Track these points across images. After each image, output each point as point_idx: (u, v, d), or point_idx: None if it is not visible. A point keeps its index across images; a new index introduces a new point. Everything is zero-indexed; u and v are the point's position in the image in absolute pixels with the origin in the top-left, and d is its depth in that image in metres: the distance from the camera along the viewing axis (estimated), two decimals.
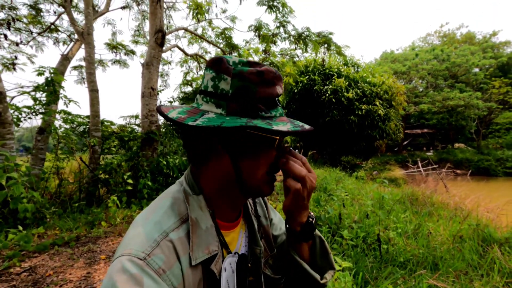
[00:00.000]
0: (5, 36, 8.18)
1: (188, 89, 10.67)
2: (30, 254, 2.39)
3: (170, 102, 7.48)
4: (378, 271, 2.20)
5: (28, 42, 8.86)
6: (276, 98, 0.58)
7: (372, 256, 2.46)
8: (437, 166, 15.90)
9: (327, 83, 14.28)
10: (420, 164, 18.00)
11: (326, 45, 8.44)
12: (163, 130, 6.13)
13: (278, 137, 0.57)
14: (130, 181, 4.52)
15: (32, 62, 9.64)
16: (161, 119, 7.58)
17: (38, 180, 4.23)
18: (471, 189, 7.32)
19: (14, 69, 8.91)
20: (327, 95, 13.78)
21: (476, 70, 27.97)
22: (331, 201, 3.64)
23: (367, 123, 14.21)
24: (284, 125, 0.55)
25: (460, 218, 3.73)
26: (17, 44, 8.72)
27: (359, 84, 14.55)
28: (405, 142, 29.80)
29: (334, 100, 13.72)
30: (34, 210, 3.31)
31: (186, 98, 9.93)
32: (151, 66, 5.57)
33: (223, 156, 0.57)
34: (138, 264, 0.46)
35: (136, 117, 6.61)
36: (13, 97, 4.75)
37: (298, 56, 9.99)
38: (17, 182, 3.20)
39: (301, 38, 7.98)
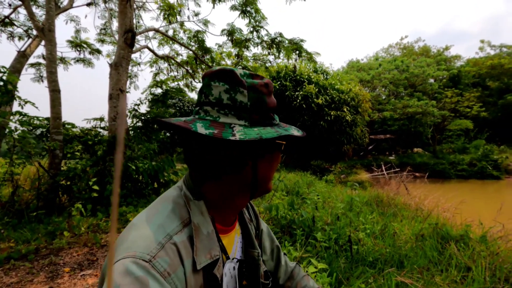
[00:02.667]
0: None
1: (158, 90, 10.36)
2: None
3: (138, 104, 7.20)
4: (350, 271, 2.28)
5: None
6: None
7: (344, 256, 2.55)
8: (399, 169, 16.95)
9: (298, 89, 14.70)
10: (383, 168, 19.08)
11: (297, 52, 8.69)
12: (132, 133, 5.88)
13: (285, 142, 0.63)
14: (95, 187, 4.26)
15: None
16: (128, 122, 7.26)
17: None
18: (429, 191, 7.90)
19: None
20: (298, 100, 14.16)
21: (432, 80, 30.46)
22: (304, 204, 3.72)
23: (336, 128, 14.81)
24: (292, 130, 0.62)
25: (421, 218, 4.00)
26: None
27: (328, 91, 15.15)
28: (370, 147, 31.43)
29: (305, 106, 14.13)
30: None
31: (156, 100, 9.63)
32: (119, 67, 5.35)
33: (246, 164, 0.59)
34: (144, 266, 0.46)
35: (102, 119, 6.27)
36: None
37: (270, 62, 10.17)
38: None
39: (274, 43, 8.14)
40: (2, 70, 3.90)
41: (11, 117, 4.50)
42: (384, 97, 31.42)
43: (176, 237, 0.53)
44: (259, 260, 0.72)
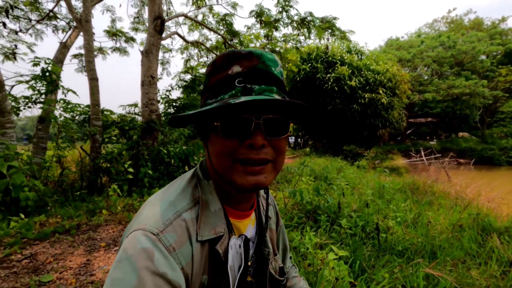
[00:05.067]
0: (4, 24, 8.08)
1: (188, 76, 10.56)
2: (31, 241, 2.42)
3: (168, 90, 7.40)
4: (376, 259, 2.20)
5: (27, 30, 8.73)
6: (236, 80, 0.54)
7: (370, 244, 2.47)
8: (440, 155, 15.79)
9: (330, 71, 14.08)
10: (423, 153, 17.90)
11: (330, 31, 8.25)
12: (164, 119, 6.10)
13: (217, 123, 0.53)
14: (131, 170, 4.53)
15: (32, 51, 9.55)
16: (161, 108, 7.54)
17: (40, 169, 4.26)
18: (473, 178, 7.29)
19: (15, 58, 8.83)
20: (329, 83, 13.61)
21: (483, 57, 27.37)
22: (330, 190, 3.64)
23: (370, 111, 14.08)
24: (234, 101, 0.48)
25: (461, 207, 3.72)
26: (16, 33, 8.61)
27: (362, 72, 14.34)
28: (409, 131, 29.60)
29: (336, 89, 13.56)
30: (36, 198, 3.35)
31: (186, 86, 9.84)
32: (150, 54, 5.50)
33: (204, 146, 0.63)
34: (151, 239, 0.48)
35: (136, 105, 6.58)
36: (12, 86, 4.73)
37: (300, 43, 9.80)
38: (18, 170, 3.22)
39: (304, 23, 7.80)
40: (47, 61, 4.20)
41: (56, 105, 4.90)
42: (426, 78, 29.06)
43: (185, 214, 0.55)
44: (268, 260, 0.71)
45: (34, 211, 3.29)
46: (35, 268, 2.00)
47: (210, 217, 0.58)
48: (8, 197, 3.17)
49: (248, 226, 0.69)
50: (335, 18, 8.03)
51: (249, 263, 0.67)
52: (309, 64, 14.45)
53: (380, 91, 13.83)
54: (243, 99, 0.48)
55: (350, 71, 13.81)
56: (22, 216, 2.90)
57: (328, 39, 8.88)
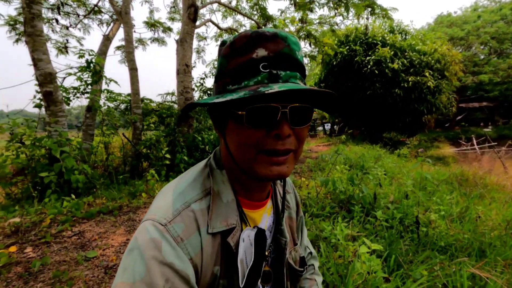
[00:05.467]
0: (57, 21, 8.78)
1: None
2: (80, 220, 2.67)
3: (203, 78, 7.53)
4: (414, 254, 2.07)
5: (76, 25, 9.39)
6: (261, 64, 0.49)
7: (408, 238, 2.32)
8: (496, 143, 14.18)
9: (370, 53, 13.20)
10: (475, 141, 16.24)
11: (369, 9, 7.68)
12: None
13: (243, 112, 0.49)
14: (168, 156, 4.75)
15: (81, 44, 10.30)
16: (196, 96, 7.73)
17: (88, 154, 4.65)
18: None
19: (67, 52, 9.62)
20: (369, 66, 12.80)
21: None
22: (366, 179, 3.46)
23: (414, 96, 13.04)
24: (247, 93, 0.45)
25: None
26: (67, 28, 9.32)
27: (406, 54, 13.24)
28: (459, 117, 27.02)
29: (377, 72, 12.72)
30: (85, 181, 3.67)
31: None
32: (184, 43, 5.60)
33: (220, 135, 0.60)
34: (159, 229, 0.49)
35: (172, 94, 6.81)
36: (64, 78, 5.15)
37: (337, 24, 9.29)
38: (69, 155, 3.54)
39: (342, 2, 7.35)
40: (90, 53, 4.49)
41: (100, 95, 5.26)
42: (482, 57, 26.02)
43: (194, 205, 0.54)
44: (285, 249, 0.69)
45: (84, 193, 3.62)
46: (82, 244, 2.21)
47: (222, 208, 0.57)
48: (62, 179, 3.51)
49: (263, 216, 0.67)
50: None
51: (266, 253, 0.65)
52: (347, 47, 13.66)
53: (426, 74, 12.68)
54: (276, 88, 0.44)
55: (392, 52, 12.82)
56: (73, 196, 3.20)
57: (368, 19, 8.28)
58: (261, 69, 0.49)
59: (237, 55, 0.51)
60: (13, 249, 2.04)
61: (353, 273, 1.59)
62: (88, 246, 2.18)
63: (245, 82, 0.50)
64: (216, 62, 0.56)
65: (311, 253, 0.92)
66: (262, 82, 0.49)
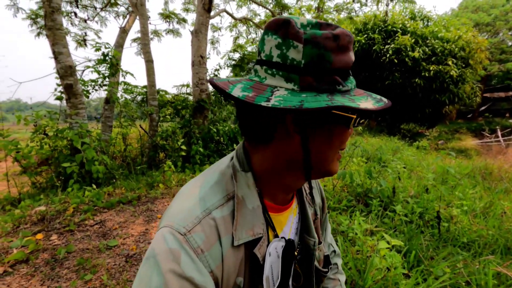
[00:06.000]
0: (75, 14, 8.96)
1: (236, 55, 10.57)
2: (101, 209, 2.76)
3: (217, 70, 7.51)
4: (435, 250, 2.01)
5: (94, 17, 9.55)
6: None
7: (429, 234, 2.25)
8: None
9: (389, 41, 12.71)
10: (499, 133, 15.49)
11: None
12: (213, 97, 6.26)
13: (353, 116, 0.47)
14: (183, 147, 4.81)
15: (99, 37, 10.49)
16: (210, 87, 7.73)
17: (107, 145, 4.77)
18: None
19: (86, 44, 9.83)
20: (388, 55, 12.34)
21: None
22: (385, 172, 3.38)
23: (435, 86, 12.50)
24: (365, 100, 0.47)
25: None
26: (85, 21, 9.49)
27: (428, 41, 12.66)
28: (483, 108, 25.78)
29: (396, 61, 12.26)
30: (105, 171, 3.78)
31: (235, 65, 9.89)
32: (199, 34, 5.58)
33: (293, 136, 0.50)
34: (178, 239, 0.46)
35: (187, 86, 6.85)
36: (83, 71, 5.27)
37: (355, 11, 8.98)
38: (89, 146, 3.65)
39: None
40: (106, 46, 4.55)
41: (119, 87, 5.35)
42: (510, 44, 24.52)
43: (215, 212, 0.50)
44: (314, 250, 0.65)
45: (104, 183, 3.73)
46: (104, 233, 2.29)
47: (248, 215, 0.53)
48: (83, 169, 3.63)
49: (289, 217, 0.64)
50: None
51: (295, 253, 0.63)
52: (365, 35, 13.20)
53: (449, 62, 12.09)
54: (370, 99, 0.48)
55: (413, 40, 12.28)
56: (94, 186, 3.30)
57: (387, 5, 7.96)
58: (350, 72, 0.50)
59: (341, 52, 0.46)
60: (39, 236, 2.14)
61: (372, 269, 1.56)
62: (109, 235, 2.25)
63: (348, 84, 0.49)
64: (268, 47, 0.45)
65: (334, 251, 0.88)
66: (355, 86, 0.52)
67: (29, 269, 1.79)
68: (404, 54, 12.13)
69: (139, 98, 6.35)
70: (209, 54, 11.37)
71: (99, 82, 4.59)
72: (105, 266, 1.83)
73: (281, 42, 0.46)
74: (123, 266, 1.87)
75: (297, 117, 0.48)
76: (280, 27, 0.46)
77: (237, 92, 0.47)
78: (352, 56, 0.49)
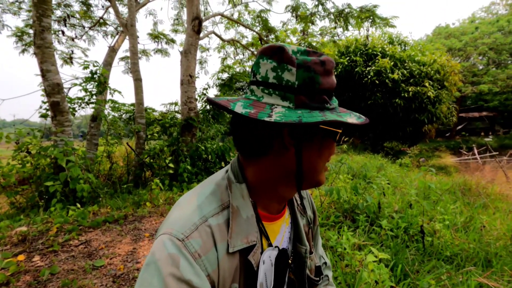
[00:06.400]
0: (63, 32, 8.97)
1: (225, 75, 10.79)
2: (86, 229, 2.68)
3: (206, 88, 7.62)
4: (420, 264, 2.07)
5: (82, 36, 9.58)
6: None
7: (414, 248, 2.32)
8: (497, 153, 14.18)
9: (370, 64, 13.39)
10: (476, 151, 16.25)
11: (370, 20, 7.82)
12: (201, 116, 6.32)
13: (340, 130, 0.56)
14: (171, 165, 4.78)
15: (86, 55, 10.48)
16: (199, 105, 7.79)
17: (93, 163, 4.67)
18: None
19: (72, 62, 9.78)
20: (369, 77, 12.95)
21: None
22: (370, 189, 3.48)
23: (414, 106, 13.14)
24: (350, 116, 0.55)
25: None
26: (72, 39, 9.50)
27: (406, 64, 13.41)
28: (459, 127, 27.10)
29: (377, 82, 12.87)
30: (90, 190, 3.69)
31: (223, 85, 10.08)
32: (189, 54, 5.71)
33: (289, 148, 0.55)
34: (177, 245, 0.48)
35: (176, 104, 6.89)
36: (69, 88, 5.23)
37: (338, 35, 9.45)
38: (74, 164, 3.57)
39: (341, 16, 7.50)
40: (95, 64, 4.57)
41: (106, 105, 5.32)
42: (481, 67, 26.27)
43: (211, 220, 0.54)
44: (306, 258, 0.69)
45: (89, 202, 3.63)
46: (90, 253, 2.22)
47: (242, 224, 0.56)
48: (67, 188, 3.53)
49: (282, 226, 0.67)
50: (375, 6, 7.59)
51: (289, 261, 0.66)
52: (347, 58, 13.86)
53: (426, 84, 12.81)
54: (354, 117, 0.55)
55: (392, 63, 12.99)
56: (79, 205, 3.21)
57: (367, 30, 8.46)
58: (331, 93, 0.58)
59: (327, 75, 0.54)
60: (21, 257, 2.05)
61: (361, 283, 1.60)
62: (95, 255, 2.18)
63: (332, 103, 0.56)
64: (264, 70, 0.50)
65: (325, 263, 0.91)
66: (337, 105, 0.58)
67: None
68: (384, 75, 12.77)
69: (126, 116, 6.32)
70: (198, 73, 11.53)
71: (86, 100, 4.57)
72: (91, 287, 1.77)
73: (277, 66, 0.52)
74: (110, 286, 1.81)
75: (293, 131, 0.54)
76: (275, 53, 0.53)
77: (239, 109, 0.51)
78: (334, 79, 0.56)
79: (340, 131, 0.56)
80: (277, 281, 0.60)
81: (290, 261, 0.66)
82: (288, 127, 0.54)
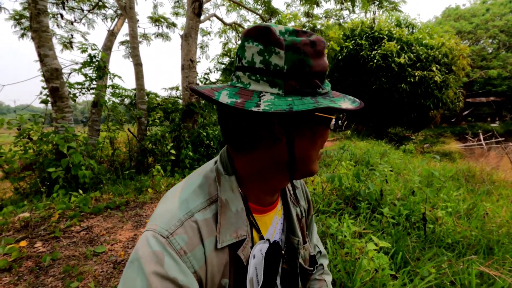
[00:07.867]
0: (61, 16, 8.79)
1: (226, 59, 10.60)
2: (88, 215, 2.70)
3: (207, 73, 7.50)
4: (421, 252, 2.06)
5: (81, 19, 9.39)
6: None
7: (415, 235, 2.31)
8: (503, 139, 13.97)
9: (376, 47, 13.03)
10: (481, 137, 16.04)
11: (377, 2, 7.55)
12: (203, 102, 6.25)
13: (333, 116, 0.53)
14: (173, 151, 4.77)
15: (86, 39, 10.32)
16: None
17: (95, 149, 4.68)
18: None
19: (72, 47, 9.65)
20: (375, 61, 12.64)
21: None
22: (372, 175, 3.44)
23: (420, 91, 12.88)
24: (343, 101, 0.51)
25: None
26: (71, 23, 9.33)
27: (413, 48, 13.05)
28: (466, 112, 26.68)
29: (383, 66, 12.56)
30: (92, 176, 3.70)
31: (224, 69, 9.91)
32: (189, 38, 5.57)
33: (280, 138, 0.51)
34: (161, 242, 0.47)
35: (177, 88, 6.80)
36: (69, 74, 5.16)
37: (344, 18, 9.17)
38: (76, 150, 3.57)
39: None
40: (93, 47, 4.48)
41: (106, 90, 5.27)
42: (490, 51, 25.51)
43: (198, 215, 0.51)
44: (298, 249, 0.67)
45: (91, 188, 3.65)
46: (91, 239, 2.24)
47: (231, 218, 0.54)
48: (69, 174, 3.55)
49: (274, 218, 0.65)
50: None
51: (282, 252, 0.65)
52: (353, 41, 13.49)
53: (433, 68, 12.49)
54: (347, 100, 0.52)
55: (398, 46, 12.63)
56: (81, 192, 3.23)
57: (374, 13, 8.17)
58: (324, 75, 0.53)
59: (318, 57, 0.49)
60: (23, 243, 2.07)
61: (361, 270, 1.59)
62: (97, 241, 2.21)
63: (325, 87, 0.52)
64: (249, 54, 0.48)
65: (320, 251, 0.90)
66: (328, 91, 0.53)
67: (12, 277, 1.73)
68: (390, 60, 12.45)
69: (127, 101, 6.27)
70: (199, 58, 11.34)
71: (86, 85, 4.51)
72: (92, 273, 1.79)
73: (263, 49, 0.47)
74: (111, 273, 1.84)
75: (283, 120, 0.50)
76: (261, 34, 0.48)
77: (224, 98, 0.47)
78: (326, 61, 0.52)
79: (333, 117, 0.53)
80: (268, 273, 0.59)
81: (283, 252, 0.65)
82: (278, 116, 0.49)
